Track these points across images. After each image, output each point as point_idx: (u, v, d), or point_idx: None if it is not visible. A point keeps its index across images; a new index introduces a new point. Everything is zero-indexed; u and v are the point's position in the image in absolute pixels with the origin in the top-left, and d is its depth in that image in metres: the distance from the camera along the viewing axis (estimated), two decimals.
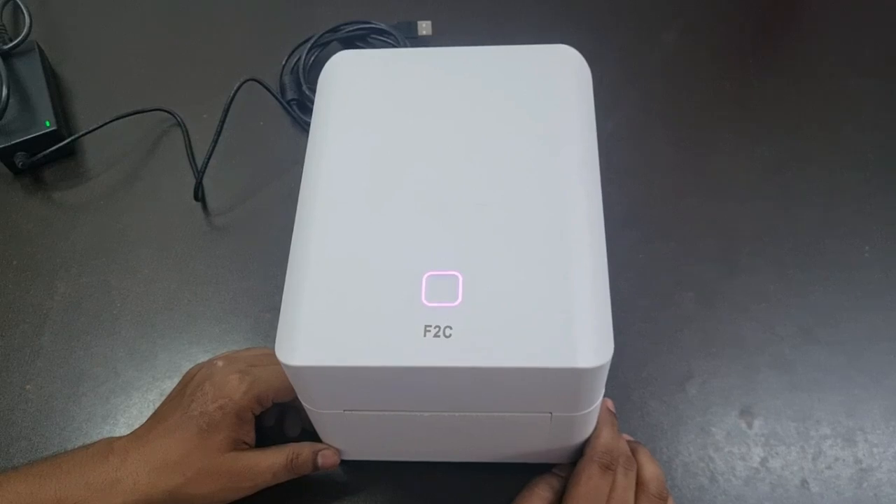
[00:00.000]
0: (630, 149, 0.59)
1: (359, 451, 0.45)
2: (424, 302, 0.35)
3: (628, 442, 0.45)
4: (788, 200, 0.57)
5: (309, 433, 0.44)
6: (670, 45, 0.66)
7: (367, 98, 0.43)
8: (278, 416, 0.47)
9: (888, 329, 0.51)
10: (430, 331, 0.34)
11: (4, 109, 0.60)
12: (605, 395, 0.40)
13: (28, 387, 0.52)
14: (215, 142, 0.58)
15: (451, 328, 0.34)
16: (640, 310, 0.52)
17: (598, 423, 0.43)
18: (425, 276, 0.36)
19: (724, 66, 0.65)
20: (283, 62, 0.64)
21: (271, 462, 0.43)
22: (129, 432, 0.44)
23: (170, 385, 0.45)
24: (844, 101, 0.62)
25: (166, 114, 0.63)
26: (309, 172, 0.41)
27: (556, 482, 0.43)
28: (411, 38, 0.65)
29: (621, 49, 0.66)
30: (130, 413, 0.50)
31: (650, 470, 0.43)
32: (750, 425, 0.48)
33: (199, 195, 0.59)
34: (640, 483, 0.43)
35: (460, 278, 0.35)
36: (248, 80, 0.59)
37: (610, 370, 0.36)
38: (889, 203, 0.57)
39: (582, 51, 0.44)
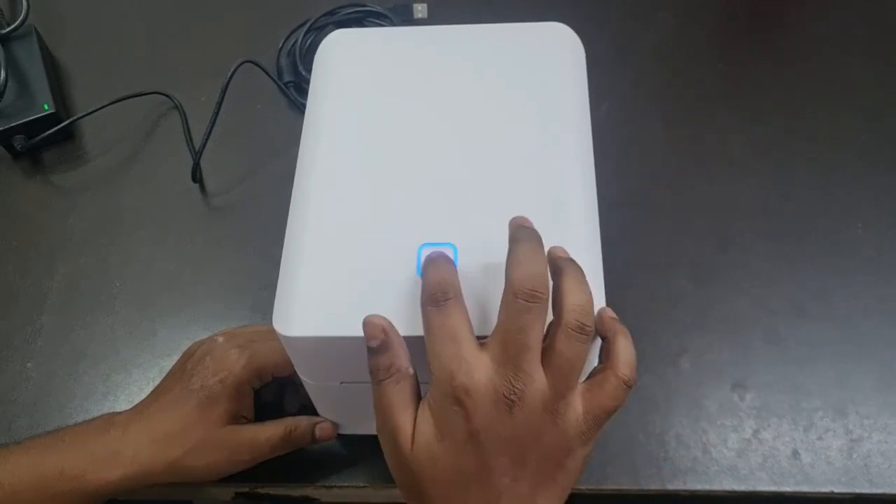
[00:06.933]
0: (625, 128, 0.60)
1: (356, 425, 0.46)
2: (420, 273, 0.35)
3: (556, 257, 0.34)
4: (782, 179, 0.57)
5: (307, 409, 0.45)
6: (665, 26, 0.67)
7: (362, 75, 0.43)
8: (277, 393, 0.48)
9: (880, 304, 0.52)
10: None
11: (3, 92, 0.60)
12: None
13: (29, 365, 0.52)
14: (212, 124, 0.58)
15: None
16: (634, 287, 0.53)
17: (512, 242, 0.33)
18: (420, 247, 0.36)
19: (718, 46, 0.66)
20: (280, 45, 0.65)
21: (269, 434, 0.43)
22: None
23: (169, 363, 0.46)
24: (838, 81, 0.62)
25: (164, 97, 0.63)
26: (305, 148, 0.41)
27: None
28: (407, 21, 0.66)
29: (617, 29, 0.66)
30: (130, 390, 0.51)
31: (572, 299, 0.32)
32: (742, 398, 0.48)
33: (196, 177, 0.59)
34: (558, 313, 0.33)
35: (455, 249, 0.36)
36: (244, 63, 0.59)
37: None
38: (882, 181, 0.57)
39: (577, 31, 0.44)
